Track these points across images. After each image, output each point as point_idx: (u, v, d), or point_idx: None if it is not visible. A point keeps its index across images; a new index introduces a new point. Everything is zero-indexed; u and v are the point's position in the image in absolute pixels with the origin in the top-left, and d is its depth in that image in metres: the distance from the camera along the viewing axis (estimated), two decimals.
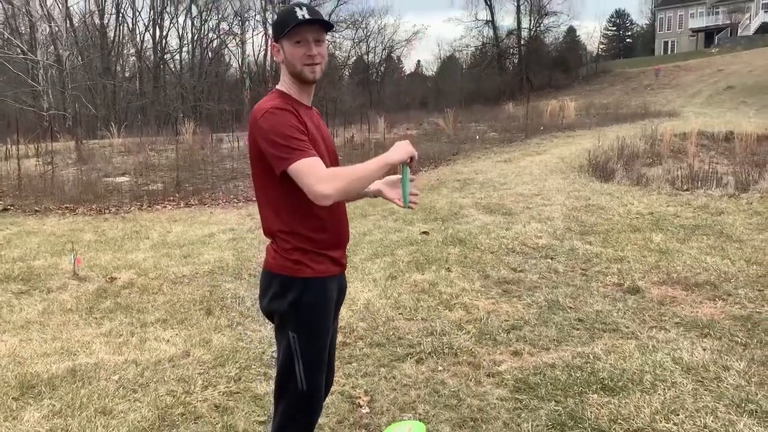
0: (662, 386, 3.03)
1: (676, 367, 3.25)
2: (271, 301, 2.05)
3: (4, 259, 6.18)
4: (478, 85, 46.20)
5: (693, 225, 6.57)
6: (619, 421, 2.73)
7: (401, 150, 1.99)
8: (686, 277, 4.79)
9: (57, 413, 3.06)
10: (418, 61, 62.45)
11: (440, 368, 3.41)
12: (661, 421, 2.71)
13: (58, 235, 7.40)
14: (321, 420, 2.93)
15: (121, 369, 3.58)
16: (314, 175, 1.87)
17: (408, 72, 59.68)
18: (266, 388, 3.27)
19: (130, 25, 41.36)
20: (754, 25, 52.10)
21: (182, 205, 9.68)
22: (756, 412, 2.75)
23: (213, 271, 5.67)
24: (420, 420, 2.83)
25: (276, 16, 2.09)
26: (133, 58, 42.33)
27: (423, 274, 5.19)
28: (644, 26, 74.03)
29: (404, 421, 2.78)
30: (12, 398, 3.23)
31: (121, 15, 39.95)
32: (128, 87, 39.88)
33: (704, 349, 3.45)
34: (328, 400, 2.94)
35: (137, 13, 41.80)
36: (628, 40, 75.73)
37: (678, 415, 2.76)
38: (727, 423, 2.67)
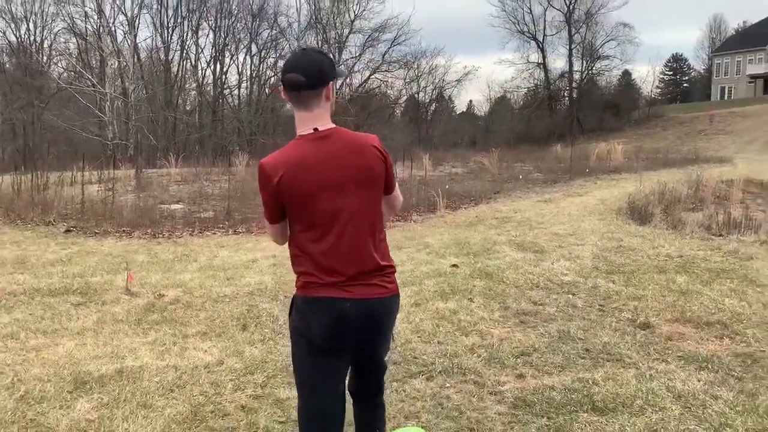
0: (650, 410, 3.26)
1: (668, 394, 3.46)
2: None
3: (65, 275, 6.76)
4: (528, 125, 46.48)
5: (719, 269, 6.67)
6: None
7: None
8: (699, 316, 4.95)
9: (104, 405, 3.49)
10: (470, 101, 63.07)
11: (447, 385, 3.71)
12: None
13: (114, 256, 8.00)
14: None
15: (162, 372, 3.99)
16: None
17: (459, 111, 60.40)
18: (288, 393, 3.62)
19: (193, 61, 43.48)
20: None
21: (231, 232, 10.21)
22: None
23: (252, 292, 6.09)
24: (422, 426, 3.13)
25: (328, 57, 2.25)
26: (194, 92, 44.36)
27: (446, 302, 5.48)
28: (701, 71, 73.10)
29: (408, 427, 3.08)
30: (67, 391, 3.68)
31: (185, 51, 42.14)
32: (188, 120, 41.72)
33: (699, 380, 3.65)
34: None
35: (200, 50, 43.67)
36: (685, 84, 74.83)
37: None
38: None
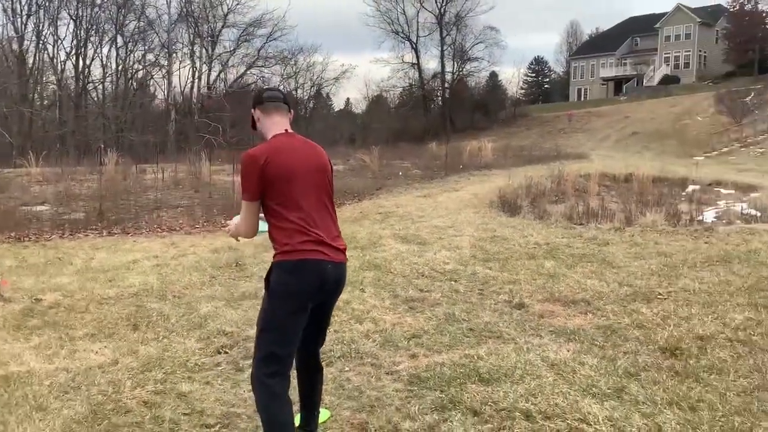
0: (529, 378, 3.65)
1: (543, 364, 3.88)
2: None
3: None
4: (404, 124, 47.60)
5: (581, 254, 7.38)
6: (489, 403, 3.32)
7: None
8: (566, 295, 5.51)
9: None
10: (348, 98, 63.72)
11: (347, 369, 3.91)
12: (522, 402, 3.32)
13: None
14: (238, 410, 3.37)
15: (52, 375, 3.87)
16: None
17: (337, 109, 60.82)
18: (190, 387, 3.66)
19: (51, 53, 40.50)
20: (658, 76, 56.39)
21: (105, 234, 9.80)
22: (597, 394, 3.42)
23: (138, 293, 5.95)
24: (325, 408, 3.31)
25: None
26: (54, 86, 41.35)
27: None
28: (560, 73, 78.33)
29: None
30: None
31: (41, 42, 39.15)
32: (47, 115, 38.86)
33: (568, 350, 4.12)
34: (247, 393, 3.38)
35: (59, 41, 40.71)
36: (546, 86, 79.80)
37: (537, 397, 3.37)
38: (573, 402, 3.31)
